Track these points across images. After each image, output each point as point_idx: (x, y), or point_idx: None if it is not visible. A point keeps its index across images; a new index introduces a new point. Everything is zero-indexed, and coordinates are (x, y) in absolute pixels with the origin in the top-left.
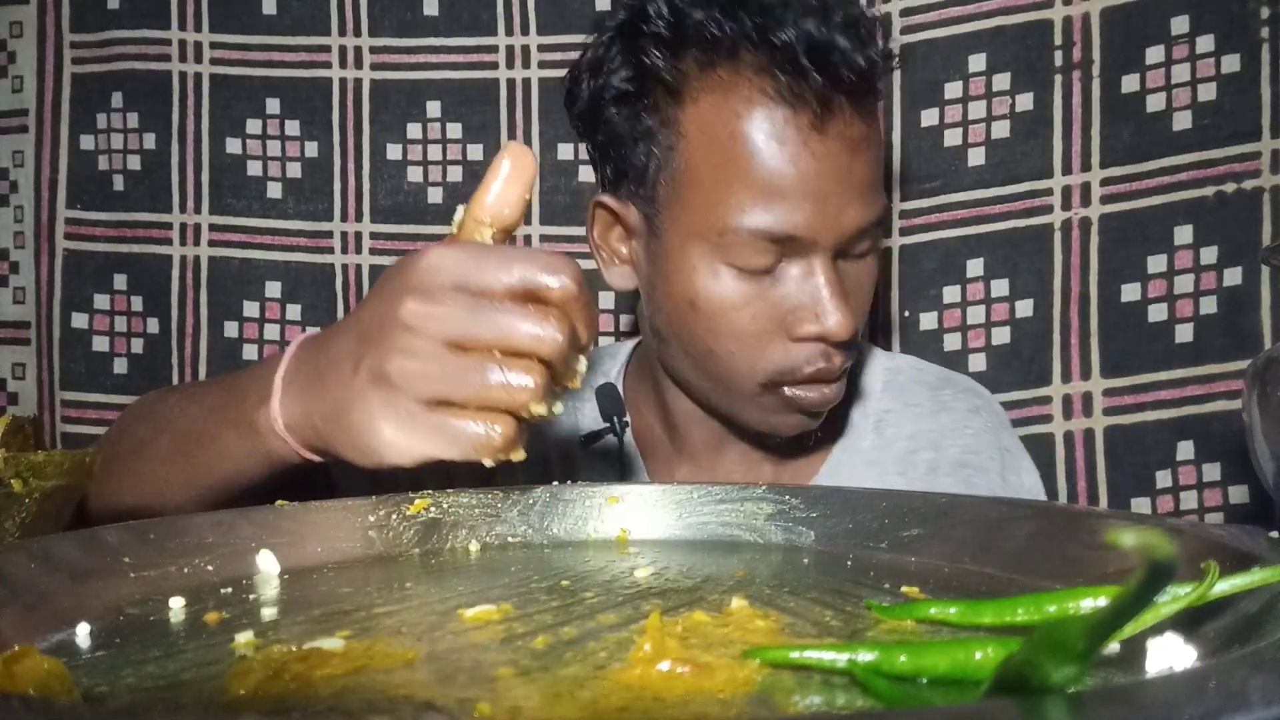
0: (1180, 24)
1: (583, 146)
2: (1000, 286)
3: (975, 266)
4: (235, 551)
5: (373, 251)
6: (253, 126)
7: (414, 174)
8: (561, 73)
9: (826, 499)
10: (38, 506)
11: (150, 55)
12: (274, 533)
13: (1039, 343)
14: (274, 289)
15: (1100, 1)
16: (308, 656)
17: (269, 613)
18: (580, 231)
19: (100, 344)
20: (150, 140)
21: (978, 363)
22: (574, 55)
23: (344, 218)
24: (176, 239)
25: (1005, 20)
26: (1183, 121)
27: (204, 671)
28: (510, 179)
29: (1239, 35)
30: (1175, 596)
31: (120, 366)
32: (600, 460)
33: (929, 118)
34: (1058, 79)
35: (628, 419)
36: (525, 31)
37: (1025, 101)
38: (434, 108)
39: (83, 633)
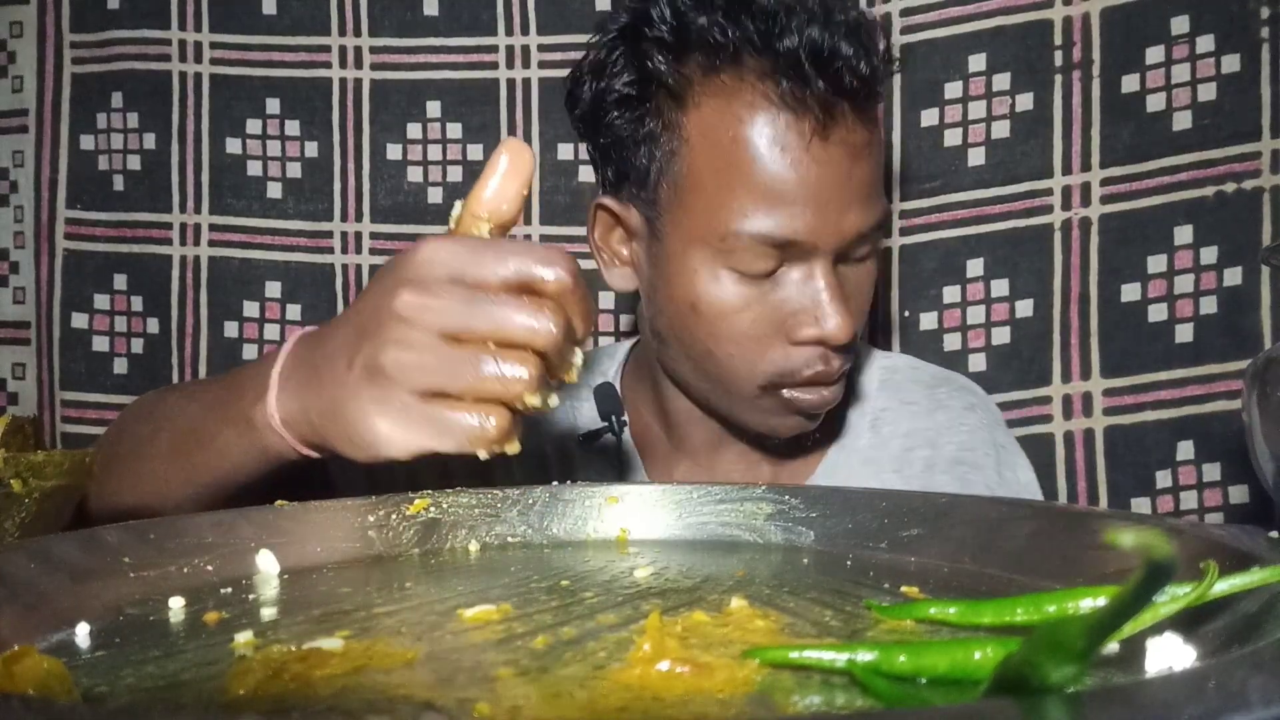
0: (1180, 24)
1: (583, 147)
2: (1000, 286)
3: (975, 266)
4: (235, 551)
5: (373, 251)
6: (253, 126)
7: (414, 174)
8: (561, 73)
9: (826, 499)
10: (38, 506)
11: (150, 55)
12: (274, 533)
13: (1039, 343)
14: (274, 289)
15: (1100, 1)
16: (307, 656)
17: (269, 613)
18: (580, 232)
19: (100, 344)
20: (150, 140)
21: (978, 363)
22: (574, 55)
23: (344, 218)
24: (176, 239)
25: (1005, 20)
26: (1183, 121)
27: (204, 671)
28: (508, 174)
29: (1239, 35)
30: (1175, 596)
31: (120, 366)
32: (598, 459)
33: (929, 118)
34: (1058, 79)
35: (626, 418)
36: (525, 31)
37: (1025, 101)
38: (434, 108)
39: (83, 633)
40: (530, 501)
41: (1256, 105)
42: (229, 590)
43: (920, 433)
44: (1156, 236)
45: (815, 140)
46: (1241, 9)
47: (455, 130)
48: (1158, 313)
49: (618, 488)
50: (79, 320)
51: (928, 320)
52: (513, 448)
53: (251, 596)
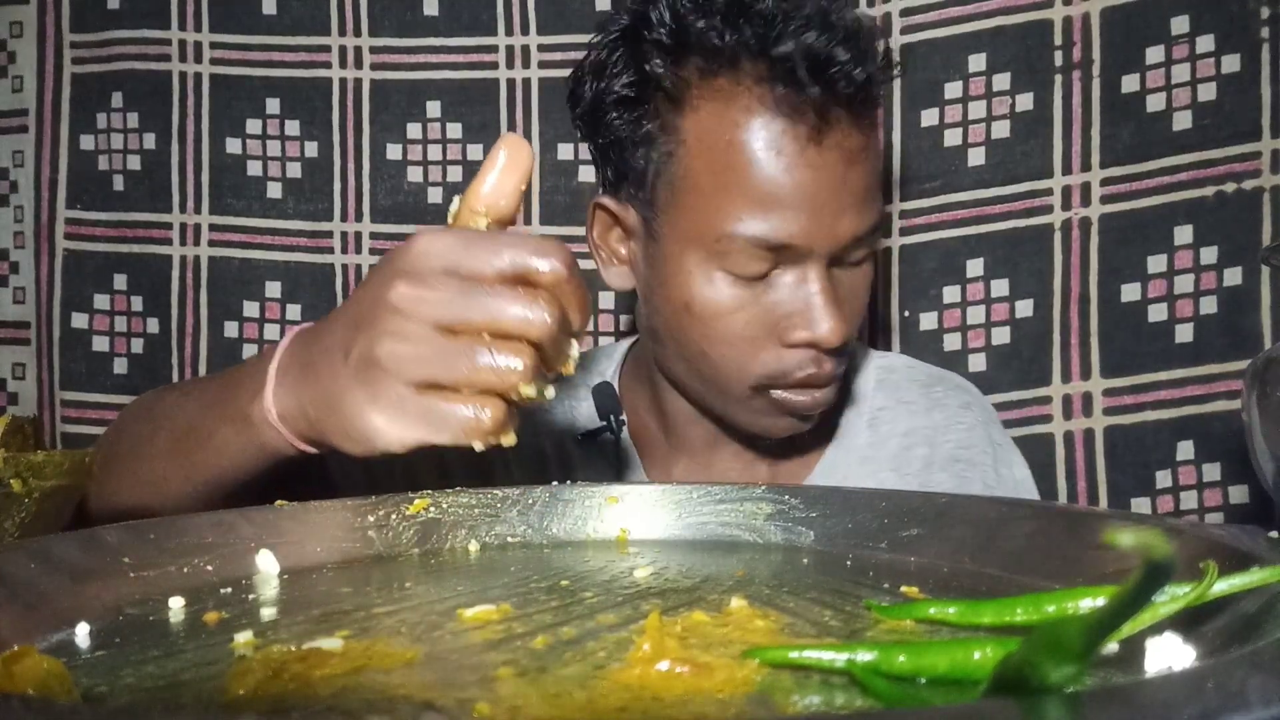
0: (1180, 24)
1: (583, 147)
2: (1000, 286)
3: (975, 266)
4: (235, 551)
5: (373, 251)
6: (253, 126)
7: (414, 174)
8: (561, 73)
9: (826, 499)
10: (38, 506)
11: (150, 55)
12: (274, 533)
13: (1039, 343)
14: (274, 289)
15: (1100, 1)
16: (307, 656)
17: (268, 613)
18: (580, 231)
19: (100, 344)
20: (150, 140)
21: (978, 363)
22: (574, 55)
23: (344, 218)
24: (176, 239)
25: (1005, 20)
26: (1183, 121)
27: (204, 671)
28: (506, 170)
29: (1239, 35)
30: (1174, 596)
31: (120, 366)
32: (597, 459)
33: (929, 118)
34: (1058, 79)
35: (624, 417)
36: (525, 31)
37: (1025, 101)
38: (434, 108)
39: (82, 633)
40: (530, 501)
41: (1256, 105)
42: (229, 590)
43: (918, 431)
44: (1156, 236)
45: (810, 145)
46: (1241, 9)
47: (455, 130)
48: (1158, 313)
49: (618, 488)
50: (79, 320)
51: (928, 320)
52: (508, 439)
53: (251, 596)
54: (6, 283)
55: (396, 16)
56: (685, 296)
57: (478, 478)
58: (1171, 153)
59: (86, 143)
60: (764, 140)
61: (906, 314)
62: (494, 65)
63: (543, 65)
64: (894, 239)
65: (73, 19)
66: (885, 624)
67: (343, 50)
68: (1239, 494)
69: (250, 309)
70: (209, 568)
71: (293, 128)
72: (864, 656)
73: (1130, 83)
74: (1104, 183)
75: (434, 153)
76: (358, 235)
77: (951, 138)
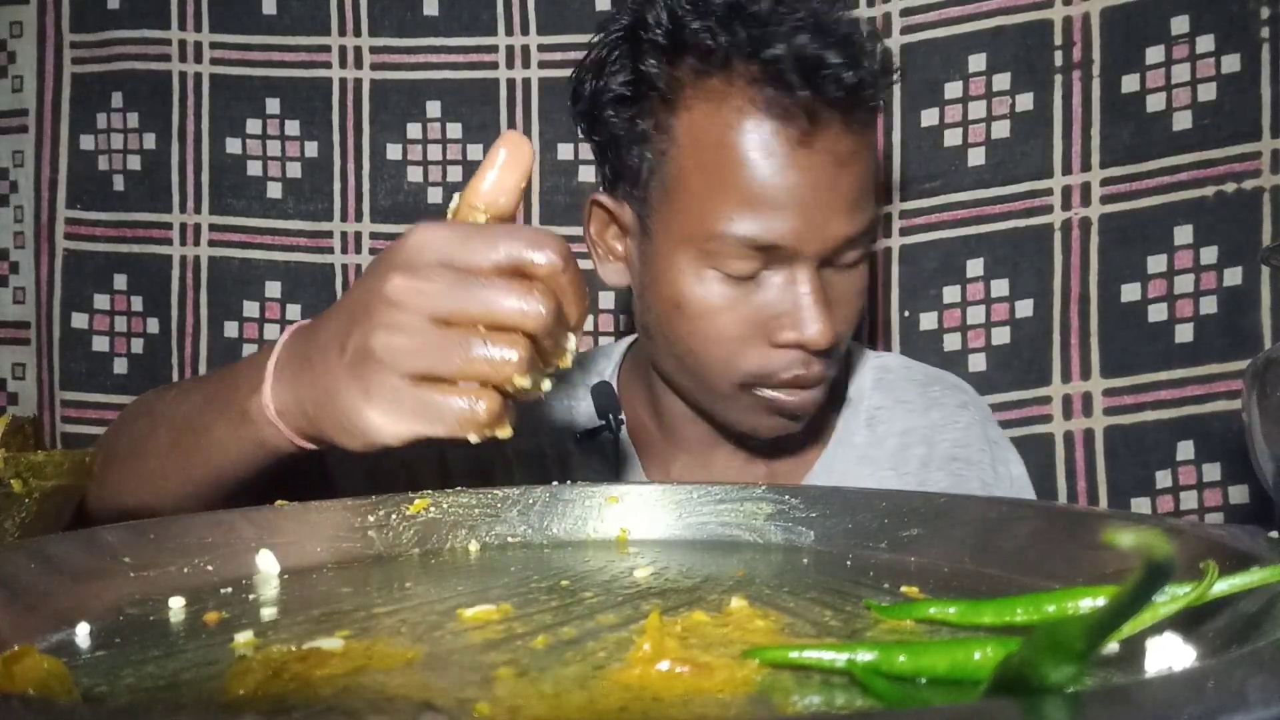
0: (1180, 24)
1: (583, 147)
2: (1000, 286)
3: (975, 266)
4: (235, 551)
5: (372, 251)
6: (253, 126)
7: (414, 174)
8: (561, 73)
9: (826, 499)
10: (38, 506)
11: (150, 55)
12: (274, 533)
13: (1039, 343)
14: (274, 289)
15: (1100, 1)
16: (307, 656)
17: (269, 613)
18: (580, 231)
19: (100, 344)
20: (150, 140)
21: (978, 363)
22: (574, 55)
23: (344, 218)
24: (176, 239)
25: (1005, 20)
26: (1183, 121)
27: (204, 671)
28: (506, 166)
29: (1239, 35)
30: (1174, 596)
31: (120, 366)
32: (596, 458)
33: (929, 118)
34: (1058, 79)
35: (623, 416)
36: (525, 31)
37: (1025, 101)
38: (434, 108)
39: (83, 633)
40: (530, 501)
41: (1256, 105)
42: (229, 590)
43: (916, 430)
44: (1156, 236)
45: (800, 147)
46: (1241, 9)
47: (455, 130)
48: (1158, 313)
49: (618, 488)
50: (79, 320)
51: (928, 320)
52: (504, 432)
53: (251, 596)
54: (6, 283)
55: (396, 16)
56: (676, 294)
57: (478, 478)
58: (1171, 153)
59: (86, 143)
60: (754, 141)
61: (906, 314)
62: (494, 65)
63: (543, 65)
64: (894, 239)
65: (73, 19)
66: (885, 624)
67: (343, 50)
68: (1239, 494)
69: (250, 309)
70: (209, 568)
71: (293, 128)
72: (864, 656)
73: (1130, 83)
74: (1104, 183)
75: (434, 153)
76: (358, 235)
77: (951, 138)
